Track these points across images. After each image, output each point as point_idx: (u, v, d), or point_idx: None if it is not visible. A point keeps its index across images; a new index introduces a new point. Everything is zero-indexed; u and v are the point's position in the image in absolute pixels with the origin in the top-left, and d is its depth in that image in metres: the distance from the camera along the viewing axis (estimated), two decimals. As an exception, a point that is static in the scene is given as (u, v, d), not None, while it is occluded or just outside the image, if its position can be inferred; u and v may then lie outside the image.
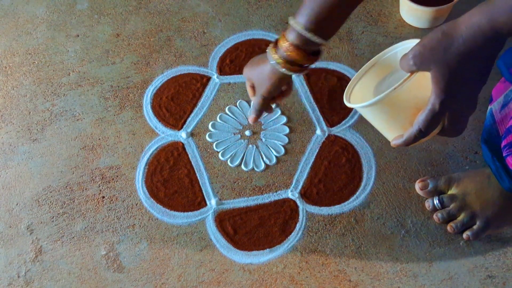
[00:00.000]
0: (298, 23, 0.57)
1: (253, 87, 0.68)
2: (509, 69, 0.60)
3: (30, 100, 0.82)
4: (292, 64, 0.60)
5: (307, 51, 0.59)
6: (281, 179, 0.74)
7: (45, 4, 0.93)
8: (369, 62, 0.54)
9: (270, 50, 0.61)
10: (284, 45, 0.59)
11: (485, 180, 0.67)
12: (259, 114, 0.69)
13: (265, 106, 0.67)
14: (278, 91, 0.65)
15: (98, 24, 0.90)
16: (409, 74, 0.45)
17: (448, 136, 0.49)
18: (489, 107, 0.65)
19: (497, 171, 0.63)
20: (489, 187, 0.67)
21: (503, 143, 0.58)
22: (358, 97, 0.54)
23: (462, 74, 0.42)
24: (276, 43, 0.60)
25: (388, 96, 0.45)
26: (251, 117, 0.69)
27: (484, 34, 0.40)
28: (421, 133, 0.46)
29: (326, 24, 0.58)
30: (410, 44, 0.50)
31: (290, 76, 0.62)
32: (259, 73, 0.64)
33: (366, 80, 0.54)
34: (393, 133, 0.50)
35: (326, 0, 0.56)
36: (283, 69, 0.60)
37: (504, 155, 0.58)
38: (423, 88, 0.45)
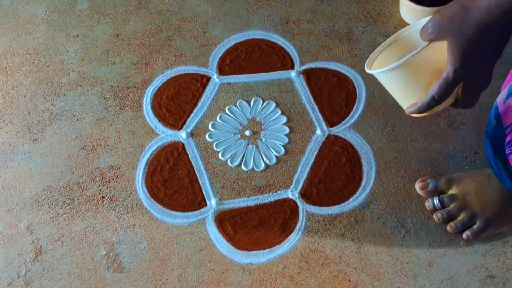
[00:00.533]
0: None
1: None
2: None
3: (30, 100, 0.82)
4: None
5: None
6: (281, 179, 0.74)
7: (45, 4, 0.93)
8: (390, 38, 0.56)
9: None
10: None
11: (486, 180, 0.67)
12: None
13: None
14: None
15: (98, 24, 0.90)
16: (427, 42, 0.46)
17: (460, 107, 0.50)
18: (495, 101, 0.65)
19: (499, 172, 0.63)
20: (489, 187, 0.67)
21: (507, 139, 0.58)
22: (378, 69, 0.56)
23: (477, 45, 0.43)
24: None
25: (407, 62, 0.47)
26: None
27: (500, 7, 0.41)
28: (435, 101, 0.47)
29: None
30: None
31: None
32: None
33: (386, 56, 0.56)
34: (409, 101, 0.51)
35: None
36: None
37: (507, 152, 0.57)
38: (441, 58, 0.47)
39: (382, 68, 0.49)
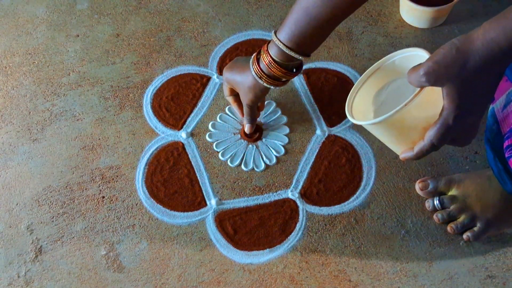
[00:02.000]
0: (280, 40, 0.59)
1: (231, 90, 0.71)
2: None
3: (30, 100, 0.82)
4: (272, 78, 0.63)
5: (288, 67, 0.62)
6: (281, 179, 0.74)
7: (45, 4, 0.93)
8: (366, 72, 0.54)
9: (252, 61, 0.63)
10: (266, 59, 0.62)
11: (486, 182, 0.67)
12: (253, 121, 0.72)
13: (254, 113, 0.71)
14: (261, 100, 0.69)
15: (98, 24, 0.90)
16: (418, 89, 0.44)
17: (458, 146, 0.49)
18: (490, 106, 0.65)
19: (499, 174, 0.63)
20: (489, 189, 0.67)
21: (505, 143, 0.58)
22: (360, 109, 0.54)
23: (476, 88, 0.42)
24: (258, 53, 0.62)
25: (398, 113, 0.45)
26: (247, 126, 0.73)
27: (502, 50, 0.40)
28: (434, 147, 0.46)
29: (307, 43, 0.60)
30: (407, 53, 0.51)
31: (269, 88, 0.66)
32: (242, 81, 0.67)
33: (365, 92, 0.55)
34: (402, 147, 0.50)
35: (307, 19, 0.57)
36: (263, 83, 0.63)
37: (506, 156, 0.58)
38: (432, 102, 0.45)
39: (373, 120, 0.47)
